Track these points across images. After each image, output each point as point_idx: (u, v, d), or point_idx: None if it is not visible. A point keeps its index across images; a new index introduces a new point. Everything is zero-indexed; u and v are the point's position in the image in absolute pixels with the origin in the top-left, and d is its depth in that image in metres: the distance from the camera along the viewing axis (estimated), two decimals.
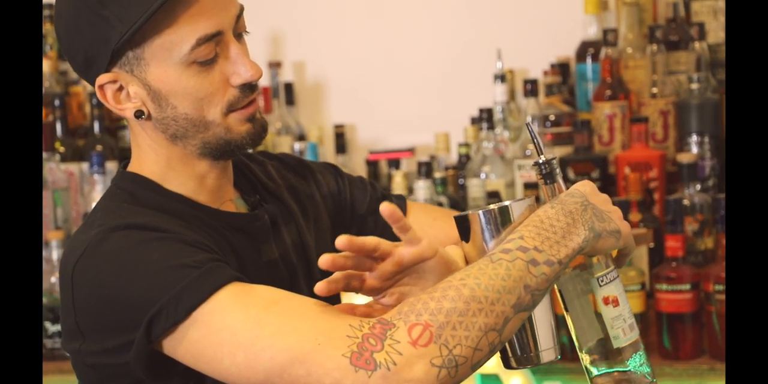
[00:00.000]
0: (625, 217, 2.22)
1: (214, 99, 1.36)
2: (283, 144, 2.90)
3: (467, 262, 1.33)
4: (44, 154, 2.62)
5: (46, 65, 2.87)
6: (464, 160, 2.74)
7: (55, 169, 2.63)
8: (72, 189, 2.67)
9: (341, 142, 2.94)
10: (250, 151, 1.50)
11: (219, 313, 1.24)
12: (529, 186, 2.50)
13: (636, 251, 2.36)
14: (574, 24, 2.80)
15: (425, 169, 2.59)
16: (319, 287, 1.26)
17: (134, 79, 1.36)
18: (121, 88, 1.37)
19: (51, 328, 2.50)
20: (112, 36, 1.32)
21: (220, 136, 1.38)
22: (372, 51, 3.04)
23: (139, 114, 1.37)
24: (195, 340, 1.25)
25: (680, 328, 2.27)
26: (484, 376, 2.29)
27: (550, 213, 1.28)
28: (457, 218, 1.33)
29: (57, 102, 2.80)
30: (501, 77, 2.70)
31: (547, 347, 1.33)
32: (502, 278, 1.21)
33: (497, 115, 2.69)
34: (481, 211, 1.31)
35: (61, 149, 2.76)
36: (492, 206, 1.32)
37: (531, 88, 2.67)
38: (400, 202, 1.61)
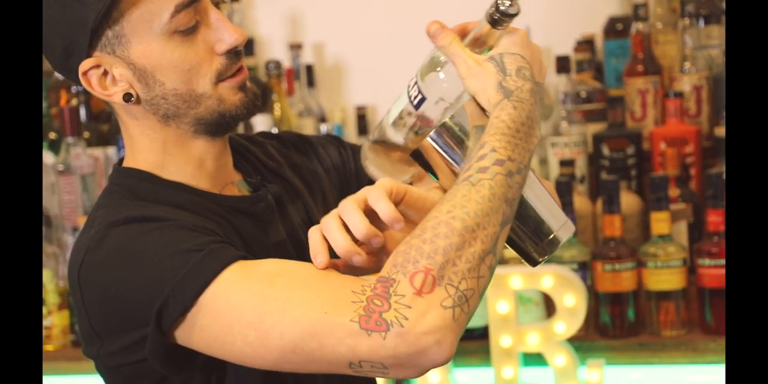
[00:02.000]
0: (663, 193, 2.24)
1: (201, 69, 1.33)
2: (306, 126, 2.87)
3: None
4: (70, 140, 2.58)
5: None
6: None
7: (81, 155, 2.60)
8: (98, 174, 2.64)
9: (363, 124, 2.91)
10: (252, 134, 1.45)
11: (224, 295, 1.21)
12: (564, 163, 2.48)
13: (676, 226, 2.35)
14: (597, 0, 2.78)
15: None
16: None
17: (117, 60, 1.33)
18: (105, 73, 1.34)
19: None
20: (88, 15, 1.29)
21: (214, 109, 1.35)
22: (392, 31, 3.00)
23: (128, 97, 1.34)
24: (205, 325, 1.22)
25: (723, 304, 2.25)
26: (527, 356, 2.26)
27: (514, 115, 1.24)
28: (413, 155, 1.30)
29: (80, 87, 2.75)
30: None
31: (559, 225, 1.29)
32: (488, 200, 1.18)
33: None
34: (432, 135, 1.27)
35: (86, 134, 2.73)
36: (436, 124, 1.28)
37: (563, 65, 2.64)
38: None
